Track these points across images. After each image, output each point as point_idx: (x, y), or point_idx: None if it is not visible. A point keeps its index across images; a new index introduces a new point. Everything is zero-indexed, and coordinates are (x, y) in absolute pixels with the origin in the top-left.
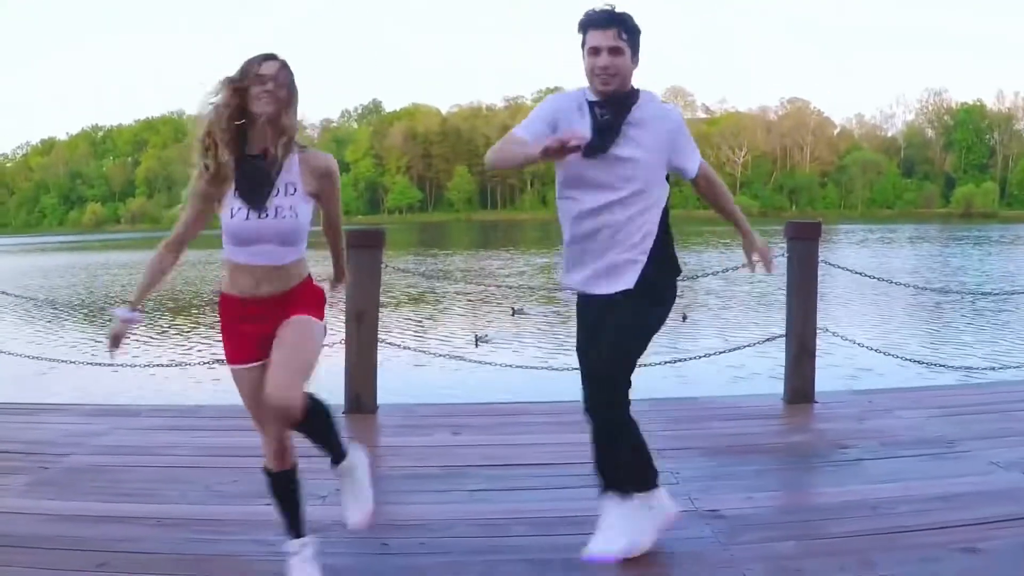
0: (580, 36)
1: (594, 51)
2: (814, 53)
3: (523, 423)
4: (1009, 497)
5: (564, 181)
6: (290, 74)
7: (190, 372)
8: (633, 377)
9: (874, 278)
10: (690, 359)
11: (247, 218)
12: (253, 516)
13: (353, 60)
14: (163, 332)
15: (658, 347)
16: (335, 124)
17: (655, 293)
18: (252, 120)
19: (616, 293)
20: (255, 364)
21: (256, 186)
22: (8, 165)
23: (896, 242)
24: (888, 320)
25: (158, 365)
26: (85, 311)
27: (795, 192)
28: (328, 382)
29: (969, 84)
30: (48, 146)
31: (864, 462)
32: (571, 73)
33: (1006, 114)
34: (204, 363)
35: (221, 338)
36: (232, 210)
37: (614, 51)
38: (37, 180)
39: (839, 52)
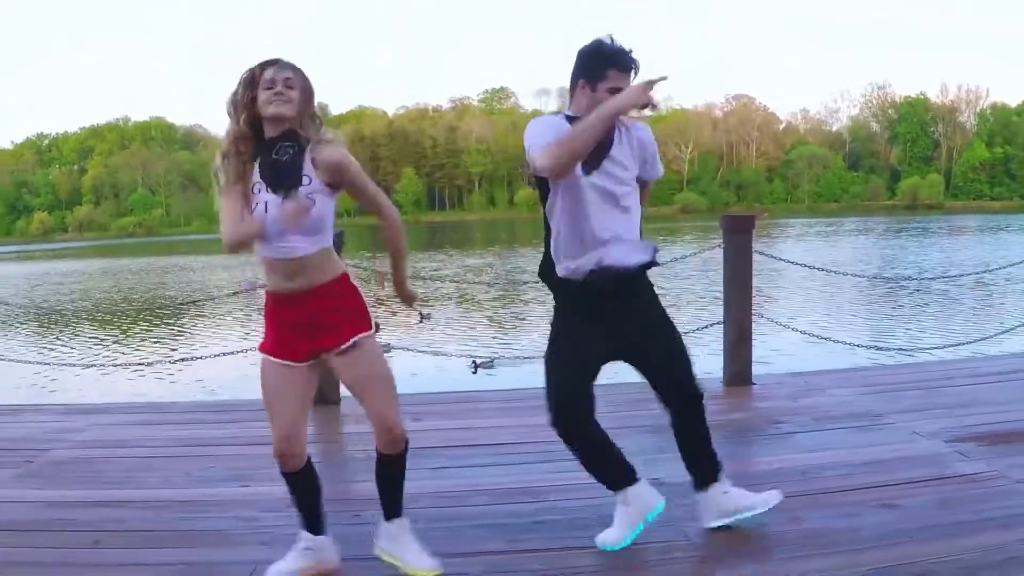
0: (593, 65)
1: (614, 91)
2: (759, 50)
3: (478, 409)
4: (928, 462)
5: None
6: (302, 75)
7: (152, 371)
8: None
9: (803, 266)
10: None
11: (266, 211)
12: (232, 497)
13: (297, 62)
14: (124, 334)
15: None
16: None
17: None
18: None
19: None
20: (294, 364)
21: (281, 177)
22: None
23: (837, 234)
24: (826, 307)
25: (120, 365)
26: (43, 318)
27: (742, 188)
28: None
29: (912, 78)
30: None
31: (796, 435)
32: (515, 73)
33: (949, 106)
34: (166, 362)
35: (266, 327)
36: (259, 204)
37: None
38: None
39: (783, 48)
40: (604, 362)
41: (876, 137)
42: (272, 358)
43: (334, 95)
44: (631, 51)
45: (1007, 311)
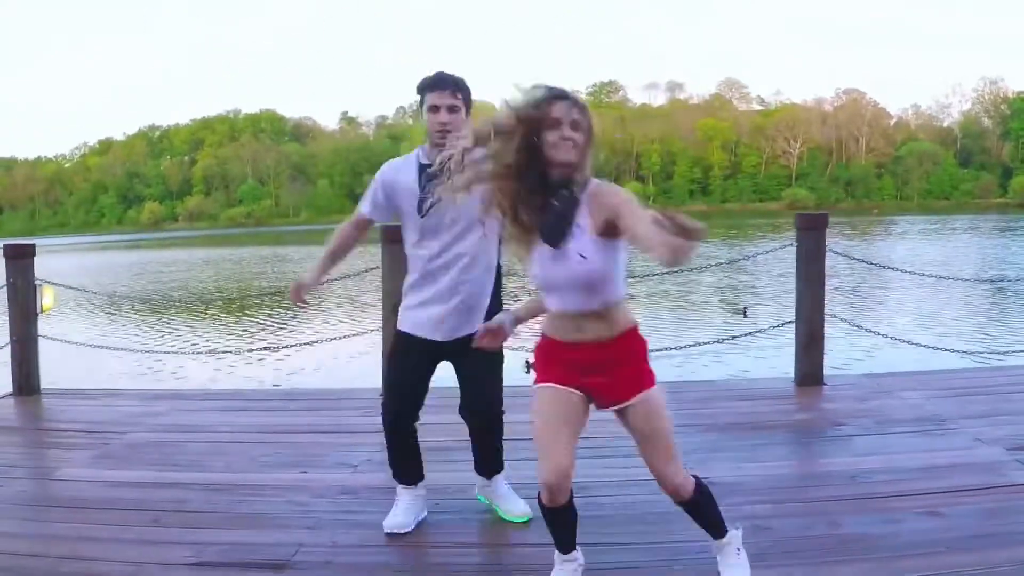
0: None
1: (432, 109)
2: (872, 44)
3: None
4: (984, 469)
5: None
6: (589, 117)
7: (241, 359)
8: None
9: (876, 265)
10: (710, 343)
11: (553, 263)
12: (289, 482)
13: (407, 55)
14: (214, 324)
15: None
16: (390, 120)
17: None
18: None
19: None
20: (568, 389)
21: (557, 226)
22: (67, 166)
23: (941, 232)
24: (911, 307)
25: (209, 353)
26: (149, 306)
27: (851, 184)
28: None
29: None
30: (106, 146)
31: (855, 438)
32: (626, 66)
33: None
34: (251, 350)
35: (536, 365)
36: (539, 255)
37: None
38: (95, 180)
39: (896, 42)
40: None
41: (988, 133)
42: (544, 384)
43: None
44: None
45: None
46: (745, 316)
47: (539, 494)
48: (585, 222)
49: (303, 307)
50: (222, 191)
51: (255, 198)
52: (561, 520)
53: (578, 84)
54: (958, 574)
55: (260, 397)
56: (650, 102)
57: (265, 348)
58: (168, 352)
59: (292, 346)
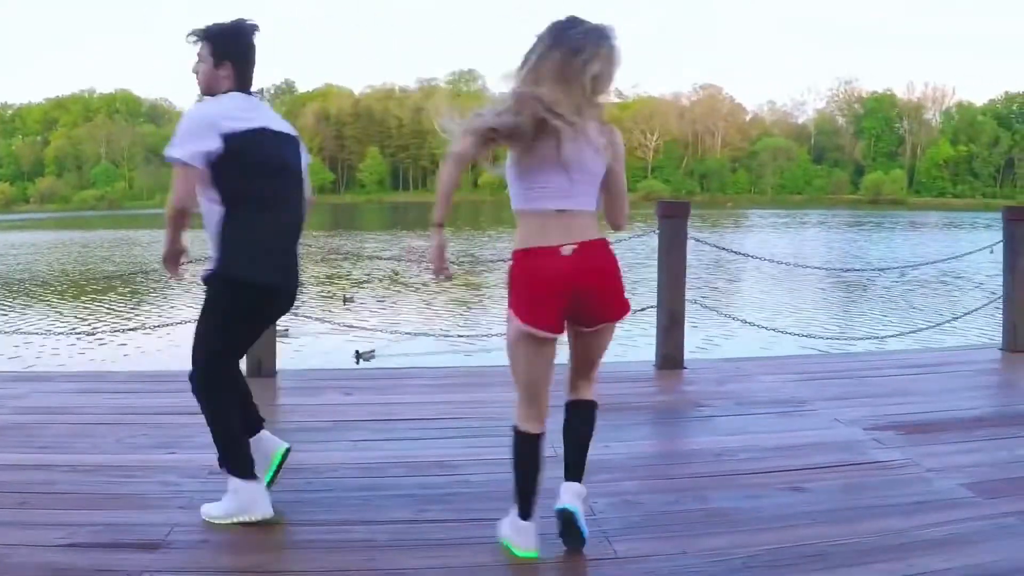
0: None
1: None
2: (727, 40)
3: (407, 386)
4: (843, 448)
5: None
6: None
7: (97, 341)
8: None
9: (737, 254)
10: None
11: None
12: (159, 463)
13: (266, 39)
14: (71, 303)
15: None
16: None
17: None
18: None
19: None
20: (556, 336)
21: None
22: None
23: (791, 226)
24: (767, 296)
25: (65, 334)
26: (15, 287)
27: (706, 177)
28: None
29: (879, 75)
30: None
31: (717, 418)
32: (483, 56)
33: (915, 104)
34: (112, 332)
35: (514, 292)
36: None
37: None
38: None
39: (752, 39)
40: None
41: (841, 131)
42: (535, 329)
43: (301, 72)
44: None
45: (945, 306)
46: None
47: (516, 426)
48: (602, 145)
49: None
50: (75, 172)
51: (109, 180)
52: (535, 454)
53: (436, 72)
54: (822, 544)
55: (122, 379)
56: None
57: (131, 329)
58: (20, 333)
59: (159, 326)
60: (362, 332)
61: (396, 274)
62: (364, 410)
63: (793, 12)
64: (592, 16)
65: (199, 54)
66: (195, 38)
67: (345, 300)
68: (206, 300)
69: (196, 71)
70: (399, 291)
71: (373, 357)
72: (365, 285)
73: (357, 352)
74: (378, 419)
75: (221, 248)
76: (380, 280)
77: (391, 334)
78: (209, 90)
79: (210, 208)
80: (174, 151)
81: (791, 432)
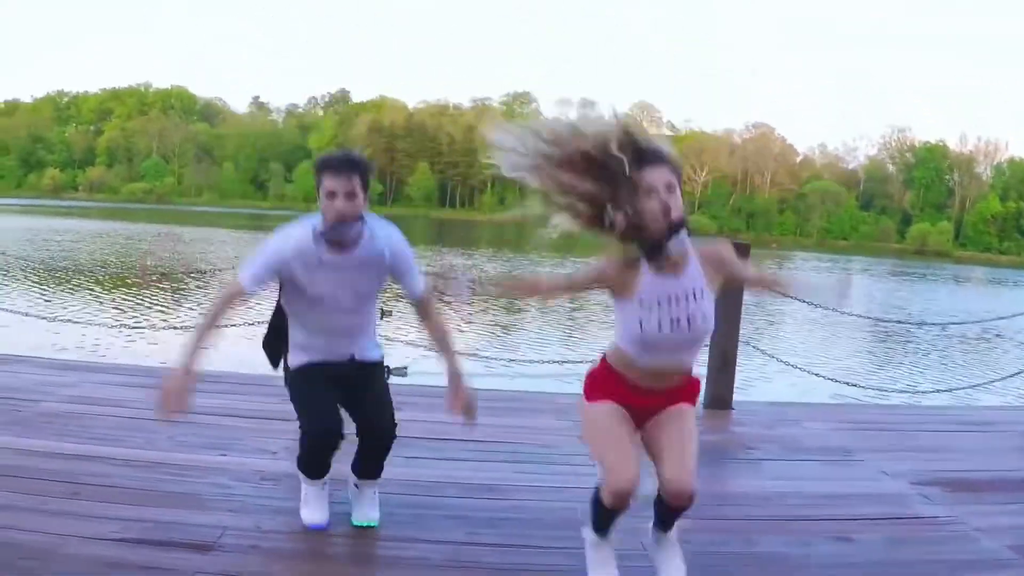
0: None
1: (330, 194)
2: (783, 82)
3: None
4: (890, 500)
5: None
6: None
7: (154, 336)
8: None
9: (792, 299)
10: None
11: (659, 330)
12: (211, 464)
13: (323, 47)
14: (128, 297)
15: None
16: (301, 110)
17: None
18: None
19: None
20: (620, 407)
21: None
22: None
23: (842, 271)
24: (815, 342)
25: (124, 326)
26: (56, 273)
27: (753, 216)
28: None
29: (932, 125)
30: (11, 108)
31: (766, 462)
32: (538, 79)
33: (967, 156)
34: (170, 328)
35: (588, 386)
36: (641, 321)
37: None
38: None
39: (807, 83)
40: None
41: (891, 179)
42: (599, 402)
43: (357, 81)
44: (348, 154)
45: (992, 363)
46: None
47: (599, 493)
48: (703, 284)
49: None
50: (125, 164)
51: (158, 175)
52: (611, 519)
53: (491, 92)
54: None
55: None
56: (561, 118)
57: (177, 327)
58: (67, 321)
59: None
60: (405, 346)
61: (434, 290)
62: (416, 427)
63: (848, 60)
64: (640, 49)
65: (353, 186)
66: (354, 171)
67: (383, 313)
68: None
69: (354, 200)
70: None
71: (406, 374)
72: (400, 298)
73: (388, 368)
74: (430, 437)
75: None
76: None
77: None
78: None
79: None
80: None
81: (838, 481)
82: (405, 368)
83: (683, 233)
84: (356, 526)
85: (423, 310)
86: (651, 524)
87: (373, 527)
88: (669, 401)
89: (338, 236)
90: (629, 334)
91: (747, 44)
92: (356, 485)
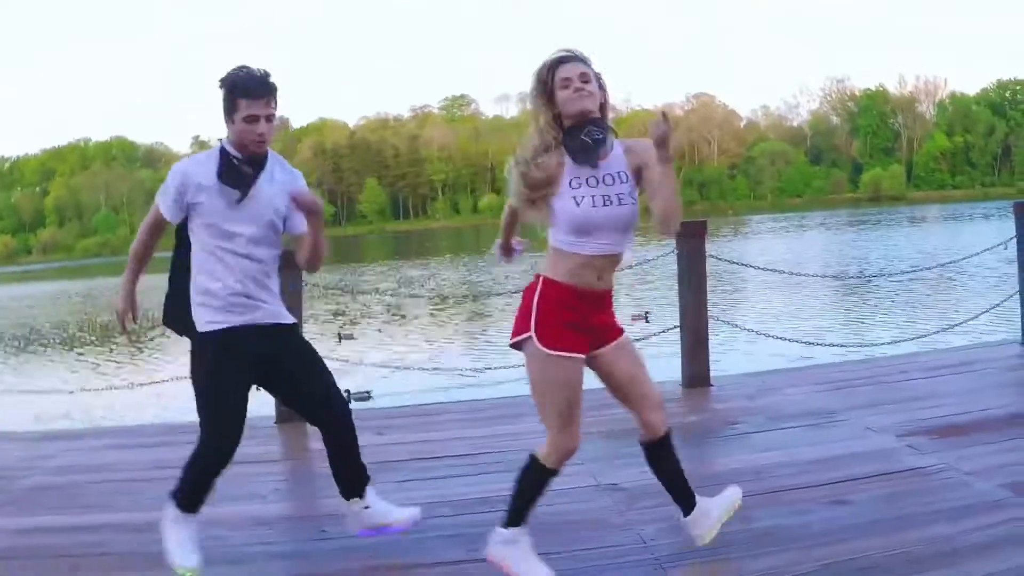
0: (226, 101)
1: (250, 119)
2: (716, 47)
3: (437, 422)
4: (879, 457)
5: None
6: (590, 66)
7: (115, 395)
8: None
9: (758, 268)
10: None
11: (593, 206)
12: (203, 517)
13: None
14: (96, 357)
15: None
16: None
17: None
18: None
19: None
20: (581, 356)
21: (591, 156)
22: None
23: (800, 230)
24: (784, 306)
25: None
26: (22, 342)
27: (705, 185)
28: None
29: (870, 71)
30: None
31: (751, 435)
32: (475, 80)
33: (908, 98)
34: (133, 385)
35: (539, 321)
36: (576, 199)
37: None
38: None
39: (741, 44)
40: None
41: (837, 131)
42: (559, 352)
43: (294, 108)
44: (264, 75)
45: (956, 304)
46: (647, 321)
47: (538, 459)
48: (626, 168)
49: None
50: (76, 221)
51: (110, 227)
52: (544, 486)
53: (428, 99)
54: (874, 556)
55: (152, 433)
56: (502, 114)
57: (152, 382)
58: (33, 392)
59: (172, 379)
60: (368, 367)
61: (391, 308)
62: (402, 449)
63: (780, 13)
64: (576, 33)
65: (272, 109)
66: (270, 94)
67: (341, 338)
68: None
69: (269, 126)
70: (398, 324)
71: (369, 398)
72: (362, 320)
73: (348, 392)
74: (417, 458)
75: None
76: (379, 316)
77: (409, 370)
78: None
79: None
80: None
81: (826, 444)
82: (368, 392)
83: (599, 122)
84: (406, 531)
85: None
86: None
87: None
88: (611, 321)
89: (258, 162)
90: (567, 219)
91: (677, 15)
92: (365, 507)
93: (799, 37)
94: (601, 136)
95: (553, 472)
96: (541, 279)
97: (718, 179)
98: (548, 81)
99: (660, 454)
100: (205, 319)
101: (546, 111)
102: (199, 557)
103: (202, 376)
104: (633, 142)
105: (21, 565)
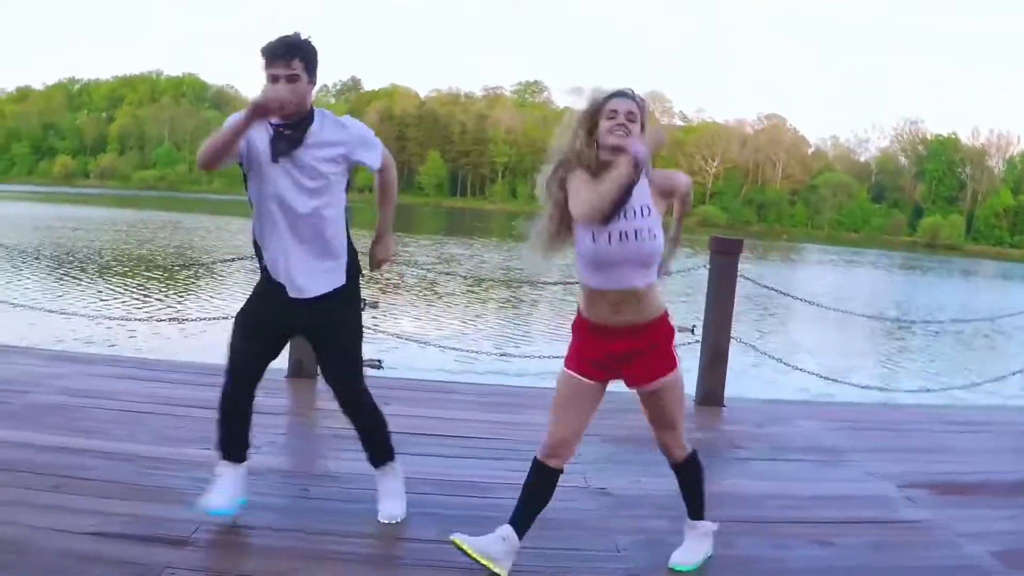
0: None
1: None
2: (795, 72)
3: (450, 400)
4: (875, 503)
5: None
6: (643, 110)
7: (149, 328)
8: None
9: (787, 295)
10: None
11: (609, 242)
12: (192, 458)
13: (335, 35)
14: (125, 288)
15: None
16: (312, 98)
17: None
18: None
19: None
20: (592, 382)
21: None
22: None
23: (854, 265)
24: (813, 337)
25: (116, 319)
26: (55, 262)
27: (763, 207)
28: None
29: (945, 118)
30: (23, 94)
31: (752, 462)
32: (547, 67)
33: (979, 149)
34: (166, 320)
35: (569, 348)
36: (594, 235)
37: (293, 79)
38: (9, 128)
39: (818, 74)
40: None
41: (903, 172)
42: (578, 376)
43: (368, 69)
44: (284, 37)
45: (992, 361)
46: (692, 334)
47: (536, 456)
48: (650, 203)
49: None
50: (137, 152)
51: (170, 162)
52: (542, 483)
53: (502, 81)
54: None
55: (164, 368)
56: (572, 107)
57: (173, 319)
58: (65, 314)
59: (206, 319)
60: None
61: (424, 281)
62: (402, 422)
63: (858, 44)
64: (577, 33)
65: (294, 69)
66: (290, 53)
67: (366, 305)
68: (353, 314)
69: (290, 86)
70: (427, 298)
71: (380, 367)
72: (393, 290)
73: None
74: (414, 432)
75: (349, 252)
76: (411, 288)
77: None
78: (303, 106)
79: (339, 212)
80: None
81: (824, 483)
82: (379, 361)
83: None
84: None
85: (381, 178)
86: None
87: (397, 520)
88: (639, 340)
89: (296, 125)
90: (583, 252)
91: (756, 32)
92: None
93: (877, 73)
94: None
95: (541, 465)
96: (577, 308)
97: (778, 203)
98: (599, 108)
99: (681, 470)
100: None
101: (584, 135)
102: (227, 499)
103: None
104: (655, 173)
105: (4, 477)
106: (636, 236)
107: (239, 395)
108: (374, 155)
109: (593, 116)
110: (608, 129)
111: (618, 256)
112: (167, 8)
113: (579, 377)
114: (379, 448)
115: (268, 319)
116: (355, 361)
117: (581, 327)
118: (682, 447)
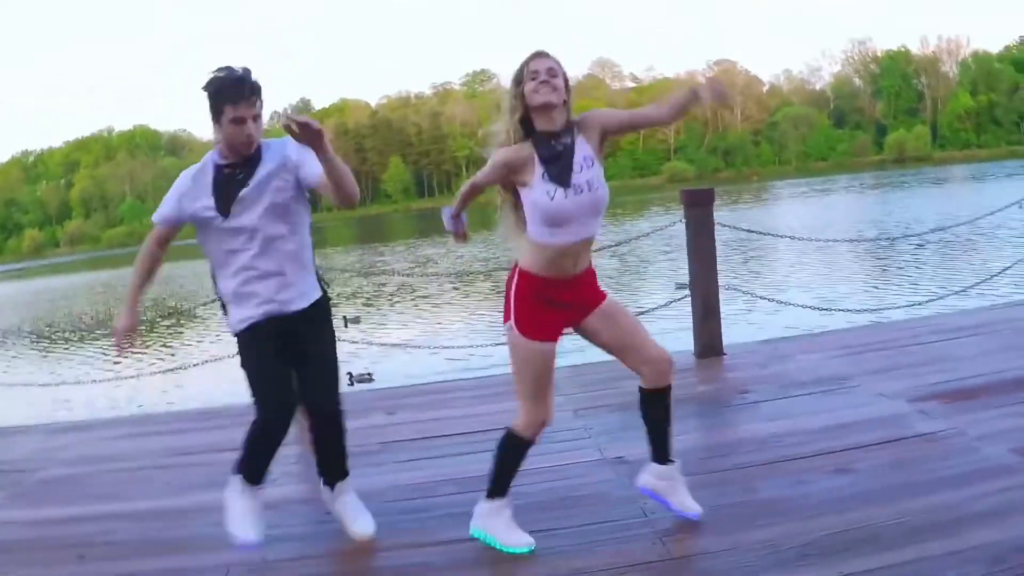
0: (212, 106)
1: (237, 120)
2: (738, 14)
3: (450, 399)
4: (888, 423)
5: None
6: (560, 66)
7: (134, 384)
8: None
9: (766, 235)
10: None
11: (565, 198)
12: (209, 504)
13: (278, 61)
14: (111, 349)
15: None
16: (265, 127)
17: None
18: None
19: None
20: (554, 343)
21: (562, 168)
22: None
23: (814, 195)
24: (801, 272)
25: (97, 381)
26: (36, 337)
27: (729, 153)
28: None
29: (892, 32)
30: None
31: (761, 403)
32: (495, 55)
33: (931, 57)
34: (148, 374)
35: (519, 311)
36: (549, 193)
37: (257, 118)
38: None
39: (760, 8)
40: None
41: (860, 93)
42: (537, 341)
43: (316, 89)
44: (244, 77)
45: (976, 265)
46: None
47: (515, 431)
48: (590, 153)
49: (130, 350)
50: (102, 212)
51: (136, 216)
52: (522, 457)
53: (450, 76)
54: (874, 527)
55: (165, 421)
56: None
57: (168, 370)
58: (50, 385)
59: (189, 366)
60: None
61: (404, 288)
62: (410, 429)
63: (780, 13)
64: (576, 33)
65: (258, 108)
66: (255, 92)
67: (347, 321)
68: (331, 324)
69: (254, 124)
70: (409, 303)
71: (370, 380)
72: (375, 300)
73: (350, 375)
74: (425, 436)
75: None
76: (391, 296)
77: (428, 350)
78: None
79: (305, 229)
80: None
81: (835, 411)
82: (370, 374)
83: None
84: (359, 539)
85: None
86: (649, 466)
87: (371, 534)
88: (591, 294)
89: (252, 160)
90: (540, 211)
91: (677, 15)
92: (333, 496)
93: (799, 37)
94: (570, 142)
95: (529, 443)
96: (518, 271)
97: (742, 146)
98: (521, 75)
99: (649, 401)
100: (235, 318)
101: (520, 106)
102: (258, 531)
103: (243, 355)
104: (580, 118)
105: (28, 556)
106: (589, 187)
107: (275, 423)
108: (313, 168)
109: (520, 84)
110: (533, 89)
111: (575, 208)
112: (109, 65)
113: (546, 344)
114: (340, 465)
115: (269, 347)
116: (336, 370)
117: (531, 291)
118: (667, 359)
